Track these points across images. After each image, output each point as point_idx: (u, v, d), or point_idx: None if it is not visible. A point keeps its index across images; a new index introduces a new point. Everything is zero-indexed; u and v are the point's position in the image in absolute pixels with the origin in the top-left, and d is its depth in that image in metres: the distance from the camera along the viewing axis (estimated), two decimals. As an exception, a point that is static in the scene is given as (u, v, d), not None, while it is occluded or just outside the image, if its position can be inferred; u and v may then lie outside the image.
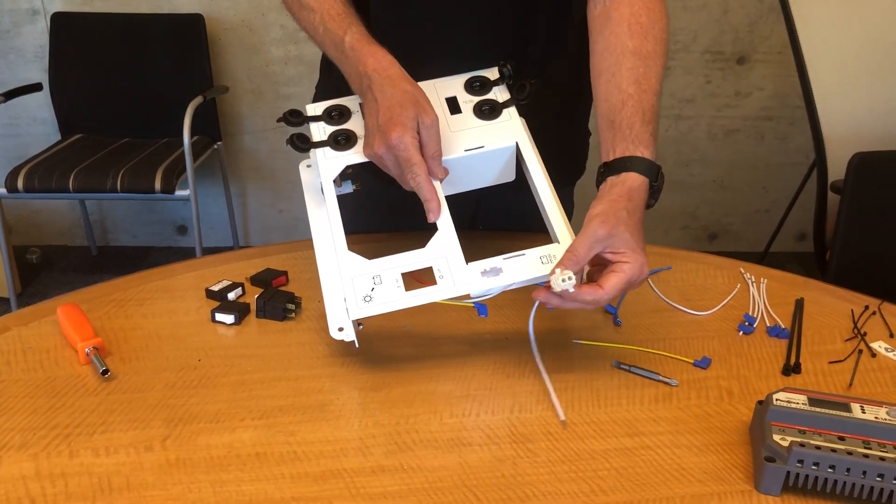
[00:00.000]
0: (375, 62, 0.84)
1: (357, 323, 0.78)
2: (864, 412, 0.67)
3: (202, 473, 0.66)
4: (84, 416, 0.73)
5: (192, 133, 2.35)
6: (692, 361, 0.83)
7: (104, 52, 2.64)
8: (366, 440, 0.70)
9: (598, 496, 0.64)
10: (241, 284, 0.95)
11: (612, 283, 0.75)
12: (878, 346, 0.87)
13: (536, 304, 0.78)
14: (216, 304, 0.91)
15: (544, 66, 1.03)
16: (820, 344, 0.88)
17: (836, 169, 1.87)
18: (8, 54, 2.75)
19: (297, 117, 0.88)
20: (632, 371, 0.81)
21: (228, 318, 0.88)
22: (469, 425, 0.73)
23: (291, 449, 0.69)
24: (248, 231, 3.02)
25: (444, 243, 0.81)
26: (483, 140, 0.87)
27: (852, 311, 0.94)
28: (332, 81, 1.00)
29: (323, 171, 0.85)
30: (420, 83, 0.85)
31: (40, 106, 2.76)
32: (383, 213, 1.04)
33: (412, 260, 0.79)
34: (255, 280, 0.97)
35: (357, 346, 0.78)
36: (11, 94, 2.47)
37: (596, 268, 0.78)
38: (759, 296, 0.97)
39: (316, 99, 1.06)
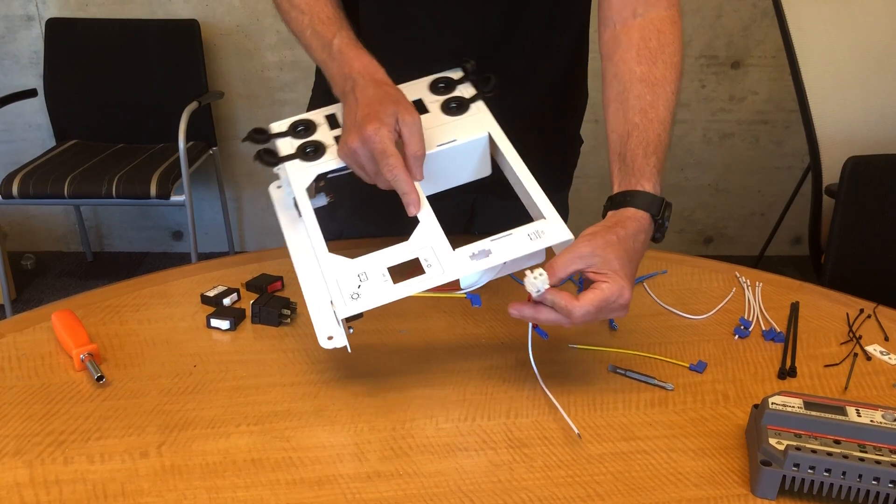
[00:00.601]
0: (361, 65, 0.84)
1: (347, 326, 0.76)
2: (859, 415, 0.67)
3: (198, 480, 0.66)
4: (79, 423, 0.72)
5: (188, 138, 2.35)
6: (688, 365, 0.83)
7: (99, 57, 2.64)
8: (361, 446, 0.70)
9: (595, 501, 0.64)
10: (237, 290, 0.95)
11: (587, 297, 0.73)
12: (874, 349, 0.88)
13: (531, 327, 0.78)
14: (211, 309, 0.91)
15: (531, 75, 1.03)
16: (815, 347, 0.88)
17: (831, 172, 1.88)
18: (3, 60, 2.74)
19: (262, 134, 0.88)
20: (627, 375, 0.81)
21: (224, 324, 0.88)
22: (465, 430, 0.73)
23: (287, 455, 0.69)
24: (244, 236, 3.02)
25: (428, 233, 0.79)
26: (455, 134, 0.87)
27: (847, 314, 0.95)
28: (327, 85, 1.00)
29: (294, 182, 0.84)
30: None
31: (35, 112, 2.76)
32: (376, 220, 1.04)
33: (397, 253, 0.78)
34: (251, 286, 0.96)
35: (350, 350, 0.76)
36: (6, 100, 2.47)
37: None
38: (755, 299, 0.97)
39: (311, 102, 1.06)
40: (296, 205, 0.86)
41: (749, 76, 2.81)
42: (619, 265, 0.74)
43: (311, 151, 0.86)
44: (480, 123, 0.88)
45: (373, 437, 0.71)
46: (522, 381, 0.80)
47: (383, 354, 0.84)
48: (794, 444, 0.64)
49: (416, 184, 0.80)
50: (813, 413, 0.67)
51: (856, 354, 0.86)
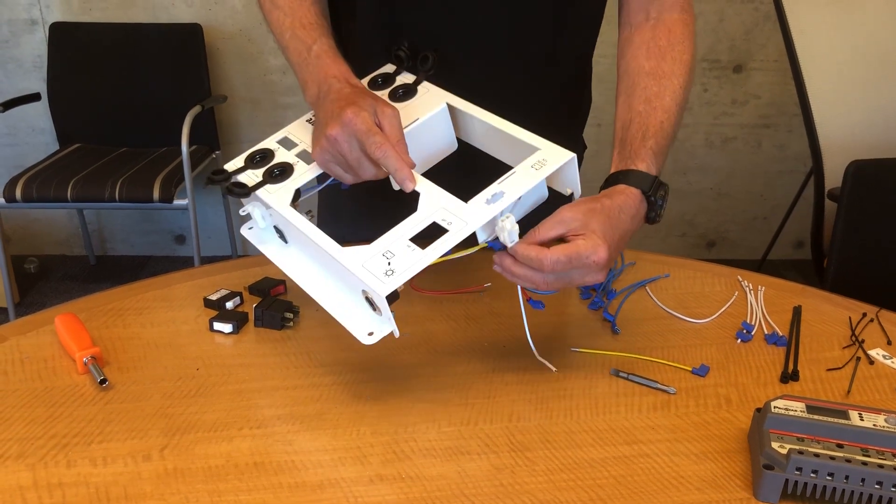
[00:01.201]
0: (338, 71, 0.84)
1: (391, 309, 0.73)
2: (862, 419, 0.67)
3: (200, 483, 0.66)
4: (82, 426, 0.72)
5: (191, 142, 2.36)
6: (690, 369, 0.83)
7: (102, 61, 2.65)
8: (364, 449, 0.70)
9: (597, 504, 0.64)
10: (240, 293, 0.95)
11: (558, 248, 0.73)
12: (876, 353, 0.88)
13: (521, 298, 0.78)
14: (214, 313, 0.91)
15: (538, 80, 1.03)
16: (818, 351, 0.88)
17: (833, 177, 1.88)
18: (6, 64, 2.75)
19: (221, 174, 0.86)
20: (630, 379, 0.81)
21: (226, 328, 0.88)
22: (467, 434, 0.73)
23: (289, 458, 0.69)
24: (247, 240, 3.02)
25: (434, 198, 0.78)
26: (414, 115, 0.87)
27: (850, 318, 0.94)
28: None
29: (275, 204, 0.82)
30: None
31: (39, 115, 2.77)
32: (378, 223, 1.04)
33: (411, 225, 0.76)
34: (254, 289, 0.97)
35: (398, 334, 0.74)
36: (10, 104, 2.48)
37: None
38: (757, 303, 0.97)
39: None
40: (278, 233, 0.86)
41: (751, 80, 2.82)
42: (598, 227, 0.74)
43: (279, 173, 0.85)
44: (435, 98, 0.89)
45: (375, 441, 0.71)
46: (524, 385, 0.80)
47: (385, 358, 0.84)
48: (797, 447, 0.64)
49: None
50: (815, 417, 0.67)
51: (858, 358, 0.86)
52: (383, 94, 0.91)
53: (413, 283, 0.78)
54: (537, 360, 0.83)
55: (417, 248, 0.73)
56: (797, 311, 0.95)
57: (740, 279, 1.03)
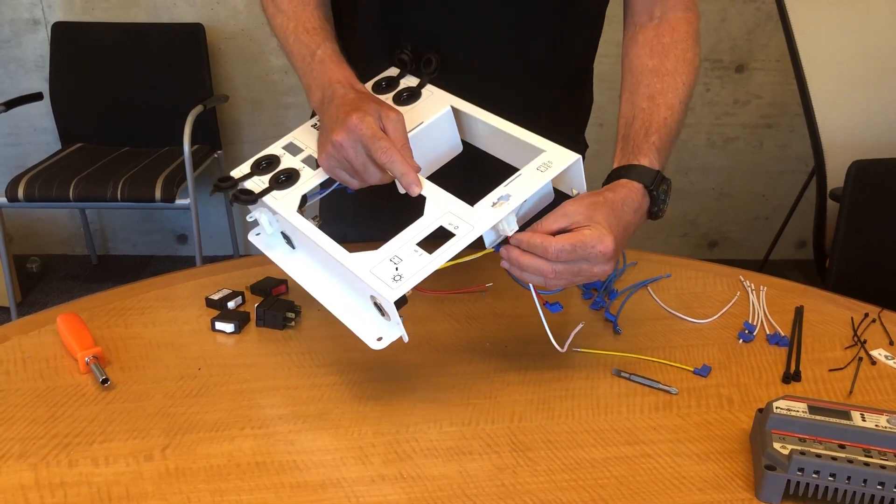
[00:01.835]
0: (342, 76, 0.84)
1: (399, 314, 0.73)
2: (864, 420, 0.67)
3: (202, 483, 0.66)
4: (84, 426, 0.73)
5: (193, 142, 2.36)
6: (692, 369, 0.83)
7: (105, 61, 2.65)
8: (365, 449, 0.70)
9: (599, 505, 0.64)
10: (241, 293, 0.95)
11: (564, 236, 0.73)
12: (878, 353, 0.87)
13: (536, 298, 0.78)
14: (216, 312, 0.91)
15: (542, 75, 1.03)
16: (820, 352, 0.88)
17: (836, 176, 1.88)
18: (8, 64, 2.76)
19: (227, 181, 0.86)
20: (632, 379, 0.81)
21: (228, 327, 0.88)
22: (469, 434, 0.73)
23: (291, 458, 0.69)
24: (248, 240, 3.02)
25: (441, 202, 0.78)
26: (419, 118, 0.87)
27: (852, 318, 0.94)
28: None
29: (282, 210, 0.82)
30: None
31: (41, 115, 2.77)
32: (380, 223, 1.04)
33: (418, 230, 0.76)
34: (255, 289, 0.97)
35: (407, 339, 0.74)
36: (12, 104, 2.48)
37: None
38: (759, 303, 0.97)
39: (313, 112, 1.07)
40: (286, 238, 0.86)
41: (753, 80, 2.81)
42: (602, 219, 0.74)
43: (286, 179, 0.85)
44: (439, 101, 0.89)
45: (376, 441, 0.71)
46: (526, 385, 0.80)
47: (387, 358, 0.84)
48: (799, 448, 0.64)
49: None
50: (817, 417, 0.67)
51: (860, 359, 0.86)
52: (387, 97, 0.91)
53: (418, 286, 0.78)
54: (539, 359, 0.83)
55: (425, 253, 0.73)
56: (799, 312, 0.95)
57: (742, 279, 1.03)
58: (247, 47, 2.74)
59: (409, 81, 0.93)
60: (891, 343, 0.90)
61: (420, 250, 0.74)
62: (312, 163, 0.87)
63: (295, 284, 0.97)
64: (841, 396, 0.80)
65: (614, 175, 0.82)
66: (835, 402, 0.72)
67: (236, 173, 0.88)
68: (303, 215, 0.82)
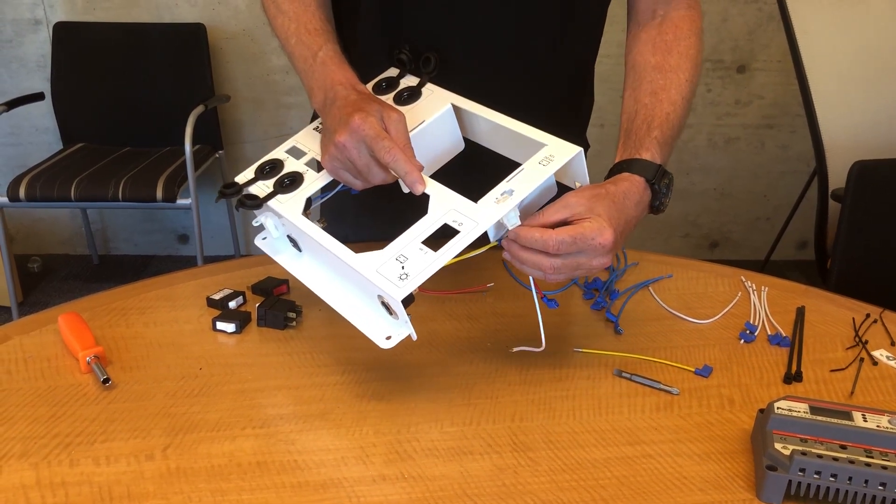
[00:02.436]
0: (344, 77, 0.84)
1: (407, 312, 0.73)
2: (865, 421, 0.66)
3: (203, 482, 0.66)
4: (85, 425, 0.73)
5: (194, 142, 2.36)
6: (693, 370, 0.83)
7: (106, 61, 2.65)
8: (366, 449, 0.70)
9: (600, 505, 0.64)
10: (242, 293, 0.95)
11: (563, 229, 0.73)
12: (880, 354, 0.87)
13: (535, 294, 0.79)
14: (217, 312, 0.91)
15: (543, 75, 1.03)
16: (821, 352, 0.88)
17: (837, 177, 1.87)
18: (10, 63, 2.76)
19: (232, 187, 0.87)
20: (633, 379, 0.81)
21: (229, 327, 0.88)
22: (470, 434, 0.73)
23: (292, 458, 0.69)
24: (249, 240, 3.02)
25: (444, 200, 0.78)
26: (420, 117, 0.87)
27: (853, 319, 0.94)
28: None
29: (287, 213, 0.82)
30: None
31: (42, 115, 2.77)
32: (382, 223, 1.04)
33: (423, 228, 0.76)
34: (256, 289, 0.97)
35: (415, 337, 0.74)
36: (14, 104, 2.48)
37: None
38: (761, 304, 0.97)
39: (315, 114, 1.07)
40: (292, 241, 0.86)
41: (755, 80, 2.81)
42: (603, 211, 0.75)
43: (290, 182, 0.85)
44: (439, 100, 0.89)
45: (378, 441, 0.71)
46: (527, 385, 0.80)
47: (388, 358, 0.84)
48: (800, 448, 0.64)
49: None
50: (819, 418, 0.67)
51: (862, 359, 0.86)
52: (388, 97, 0.92)
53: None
54: (541, 359, 0.83)
55: (430, 251, 0.73)
56: (800, 312, 0.95)
57: (743, 280, 1.03)
58: (248, 47, 2.75)
59: (410, 81, 0.93)
60: (892, 343, 0.90)
61: (425, 248, 0.74)
62: (316, 166, 0.87)
63: (296, 284, 0.97)
64: (842, 397, 0.80)
65: (616, 169, 0.83)
66: (836, 402, 0.72)
67: (241, 179, 0.88)
68: (308, 218, 0.82)
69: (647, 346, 0.88)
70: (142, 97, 2.66)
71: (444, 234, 0.74)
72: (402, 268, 0.73)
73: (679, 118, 0.88)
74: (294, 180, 0.86)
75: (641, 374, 0.82)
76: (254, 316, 0.91)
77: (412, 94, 0.91)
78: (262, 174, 0.88)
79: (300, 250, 0.86)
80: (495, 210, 0.75)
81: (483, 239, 0.76)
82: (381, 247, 0.75)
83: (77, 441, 0.70)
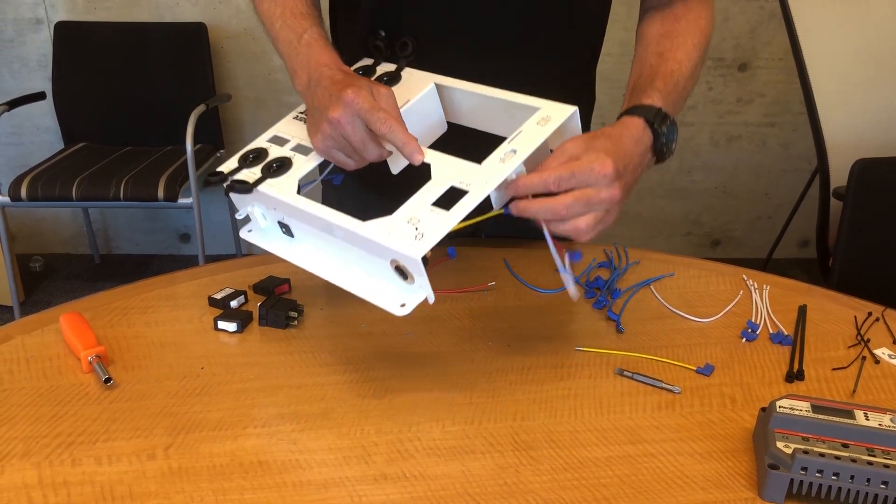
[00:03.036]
0: (330, 59, 0.84)
1: (427, 262, 0.71)
2: (867, 419, 0.66)
3: (205, 482, 0.66)
4: (87, 425, 0.73)
5: (195, 141, 2.36)
6: (695, 368, 0.83)
7: (107, 60, 2.65)
8: (368, 448, 0.70)
9: (602, 504, 0.64)
10: (244, 292, 0.95)
11: (559, 164, 0.73)
12: (882, 352, 0.87)
13: (552, 247, 0.78)
14: (219, 312, 0.91)
15: (544, 73, 1.03)
16: (823, 351, 0.87)
17: (839, 175, 1.87)
18: (11, 63, 2.76)
19: (217, 176, 0.85)
20: (634, 378, 0.81)
21: (231, 327, 0.88)
22: (472, 433, 0.73)
23: (294, 457, 0.69)
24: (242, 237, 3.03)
25: (448, 165, 0.77)
26: (404, 97, 0.87)
27: (855, 317, 0.94)
28: None
29: (282, 195, 0.81)
30: None
31: (44, 114, 2.77)
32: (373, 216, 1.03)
33: (430, 191, 0.75)
34: (258, 288, 0.97)
35: (433, 299, 0.72)
36: (15, 103, 2.48)
37: None
38: (762, 302, 0.97)
39: None
40: (283, 228, 0.85)
41: (756, 78, 2.81)
42: (599, 146, 0.75)
43: (278, 167, 0.84)
44: (421, 81, 0.89)
45: (379, 440, 0.71)
46: (529, 384, 0.80)
47: (390, 357, 0.84)
48: (802, 447, 0.64)
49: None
50: (821, 416, 0.67)
51: (864, 358, 0.86)
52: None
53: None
54: (542, 358, 0.83)
55: (442, 211, 0.72)
56: (802, 311, 0.95)
57: (745, 278, 1.03)
58: (249, 46, 2.75)
59: (387, 68, 0.93)
60: (894, 342, 0.89)
61: (436, 209, 0.73)
62: (303, 150, 0.86)
63: (298, 283, 0.97)
64: (844, 395, 0.80)
65: (619, 117, 0.84)
66: (838, 401, 0.72)
67: (225, 168, 0.87)
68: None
69: (648, 345, 0.87)
70: (143, 97, 2.66)
71: (452, 202, 0.73)
72: (416, 229, 0.71)
73: (684, 77, 0.89)
74: (282, 164, 0.84)
75: (643, 372, 0.82)
76: (255, 315, 0.91)
77: (392, 79, 0.90)
78: (245, 163, 0.87)
79: (292, 236, 0.85)
80: (501, 168, 0.74)
81: (486, 205, 0.75)
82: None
83: (79, 440, 0.71)
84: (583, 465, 0.69)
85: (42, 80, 2.75)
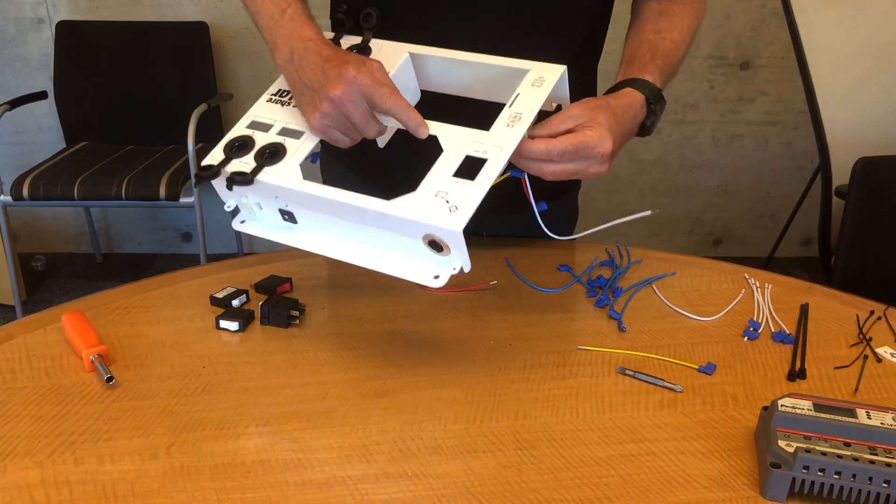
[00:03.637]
0: (312, 33, 0.83)
1: (467, 232, 0.70)
2: (869, 418, 0.66)
3: (206, 481, 0.66)
4: (89, 424, 0.73)
5: (197, 140, 2.36)
6: (697, 367, 0.83)
7: (109, 59, 2.65)
8: (370, 447, 0.70)
9: (603, 503, 0.64)
10: (246, 291, 0.95)
11: (567, 137, 0.76)
12: (884, 351, 0.87)
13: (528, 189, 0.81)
14: (220, 311, 0.92)
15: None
16: (825, 349, 0.87)
17: (841, 174, 1.87)
18: (13, 62, 2.76)
19: (208, 170, 0.83)
20: (636, 377, 0.81)
21: (233, 325, 0.89)
22: (473, 432, 0.73)
23: (296, 456, 0.69)
24: (253, 238, 3.02)
25: (457, 134, 0.76)
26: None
27: (857, 316, 0.94)
28: None
29: (286, 181, 0.79)
30: None
31: (45, 114, 2.77)
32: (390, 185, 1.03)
33: (448, 163, 0.74)
34: (260, 287, 0.97)
35: (468, 269, 0.73)
36: (17, 103, 2.48)
37: None
38: (764, 301, 0.97)
39: None
40: (284, 215, 0.84)
41: (758, 77, 2.81)
42: (605, 121, 0.78)
43: (272, 154, 0.82)
44: (394, 52, 0.88)
45: (381, 439, 0.71)
46: (530, 383, 0.80)
47: (392, 356, 0.84)
48: (804, 446, 0.64)
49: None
50: (823, 415, 0.67)
51: (866, 356, 0.86)
52: None
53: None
54: (544, 357, 0.83)
55: (468, 181, 0.72)
56: (804, 309, 0.95)
57: (747, 277, 1.03)
58: (251, 45, 2.75)
59: (352, 41, 0.90)
60: (896, 341, 0.89)
61: (460, 179, 0.73)
62: (292, 134, 0.84)
63: (299, 282, 0.98)
64: (846, 394, 0.80)
65: (618, 86, 0.86)
66: (840, 399, 0.72)
67: (212, 160, 0.84)
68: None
69: (650, 344, 0.87)
70: (145, 96, 2.66)
71: (471, 173, 0.74)
72: (447, 202, 0.71)
73: (678, 59, 0.92)
74: (276, 151, 0.82)
75: (645, 371, 0.82)
76: (257, 314, 0.91)
77: (361, 51, 0.88)
78: (231, 152, 0.84)
79: (295, 222, 0.84)
80: (513, 132, 0.75)
81: None
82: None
83: (81, 439, 0.71)
84: (584, 463, 0.69)
85: (44, 80, 2.75)
